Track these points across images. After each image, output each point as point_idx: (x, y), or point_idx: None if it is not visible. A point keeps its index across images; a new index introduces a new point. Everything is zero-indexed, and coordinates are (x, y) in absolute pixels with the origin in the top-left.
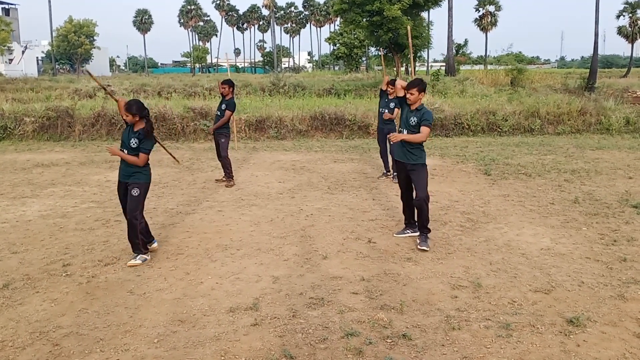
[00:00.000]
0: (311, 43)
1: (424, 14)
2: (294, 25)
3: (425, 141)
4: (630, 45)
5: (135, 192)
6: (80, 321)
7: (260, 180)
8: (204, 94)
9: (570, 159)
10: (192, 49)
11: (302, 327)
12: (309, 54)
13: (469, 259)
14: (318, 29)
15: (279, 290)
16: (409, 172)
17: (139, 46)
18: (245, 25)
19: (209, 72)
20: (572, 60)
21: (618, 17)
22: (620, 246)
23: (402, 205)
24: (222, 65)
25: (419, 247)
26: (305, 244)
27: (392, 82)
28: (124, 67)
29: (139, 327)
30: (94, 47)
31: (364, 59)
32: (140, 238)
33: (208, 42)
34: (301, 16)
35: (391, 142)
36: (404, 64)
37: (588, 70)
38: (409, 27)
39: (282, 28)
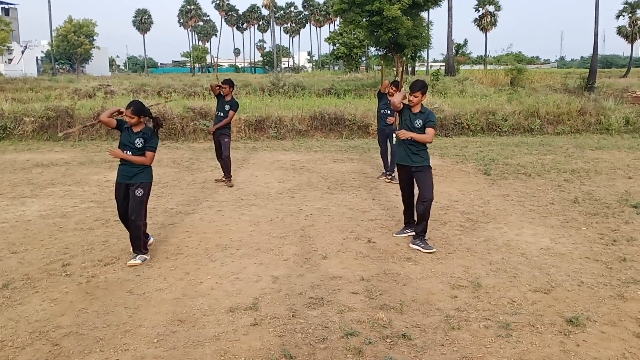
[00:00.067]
0: (311, 43)
1: (424, 14)
2: (293, 25)
3: (431, 142)
4: (629, 45)
5: (139, 192)
6: (80, 321)
7: (259, 180)
8: (203, 94)
9: (570, 159)
10: (191, 49)
11: (302, 326)
12: (309, 53)
13: (468, 258)
14: (318, 28)
15: (279, 290)
16: (413, 174)
17: (139, 46)
18: (244, 25)
19: (209, 72)
20: (572, 60)
21: (618, 17)
22: (619, 246)
23: (404, 208)
24: (222, 65)
25: (412, 244)
26: (304, 243)
27: (395, 84)
28: (123, 67)
29: (138, 327)
30: (94, 47)
31: (363, 59)
32: (143, 239)
33: (208, 42)
34: (301, 16)
35: (399, 139)
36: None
37: (588, 70)
38: (382, 67)
39: (282, 28)
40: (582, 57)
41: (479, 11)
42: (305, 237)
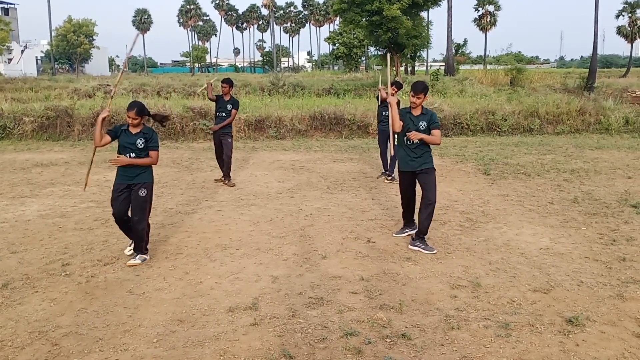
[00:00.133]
0: (310, 43)
1: (424, 14)
2: (293, 24)
3: (440, 144)
4: (629, 45)
5: (142, 192)
6: (80, 321)
7: (259, 180)
8: (203, 93)
9: (570, 159)
10: (191, 49)
11: (302, 326)
12: (309, 53)
13: (468, 258)
14: (317, 28)
15: (278, 290)
16: (417, 176)
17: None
18: (244, 25)
19: (209, 71)
20: (572, 60)
21: (617, 16)
22: (619, 246)
23: (403, 210)
24: (222, 65)
25: (412, 246)
26: (304, 243)
27: (398, 85)
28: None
29: (138, 327)
30: (93, 47)
31: (363, 58)
32: (145, 239)
33: (207, 41)
34: (300, 16)
35: (413, 141)
36: (404, 64)
37: (587, 70)
38: (388, 56)
39: (282, 28)
40: (581, 56)
41: (478, 11)
42: (305, 236)
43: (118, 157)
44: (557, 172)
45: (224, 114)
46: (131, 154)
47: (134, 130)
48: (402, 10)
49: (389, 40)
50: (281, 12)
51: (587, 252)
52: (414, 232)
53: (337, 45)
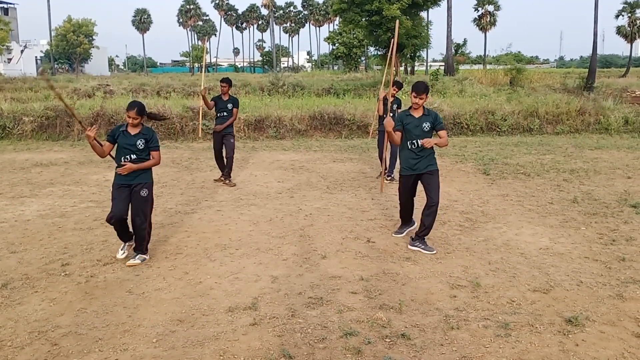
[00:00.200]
0: (310, 43)
1: (423, 14)
2: (293, 24)
3: (447, 145)
4: (629, 44)
5: (144, 192)
6: (79, 321)
7: (259, 179)
8: (208, 88)
9: (569, 159)
10: (191, 49)
11: (301, 326)
12: (308, 53)
13: (467, 258)
14: (317, 28)
15: (278, 290)
16: (422, 177)
17: (138, 46)
18: (244, 25)
19: (208, 71)
20: (571, 60)
21: (617, 16)
22: (619, 246)
23: (401, 211)
24: (221, 65)
25: (411, 246)
26: (304, 243)
27: (398, 85)
28: (122, 67)
29: (137, 327)
30: (93, 47)
31: (363, 58)
32: (147, 239)
33: (207, 41)
34: (300, 16)
35: (425, 148)
36: (403, 64)
37: (587, 70)
38: (397, 23)
39: (281, 28)
40: (581, 56)
41: (478, 11)
42: (305, 236)
43: (124, 163)
44: (556, 172)
45: (225, 114)
46: (132, 155)
47: (133, 131)
48: (402, 10)
49: (388, 40)
50: (281, 12)
51: (587, 252)
52: (412, 228)
53: (336, 45)
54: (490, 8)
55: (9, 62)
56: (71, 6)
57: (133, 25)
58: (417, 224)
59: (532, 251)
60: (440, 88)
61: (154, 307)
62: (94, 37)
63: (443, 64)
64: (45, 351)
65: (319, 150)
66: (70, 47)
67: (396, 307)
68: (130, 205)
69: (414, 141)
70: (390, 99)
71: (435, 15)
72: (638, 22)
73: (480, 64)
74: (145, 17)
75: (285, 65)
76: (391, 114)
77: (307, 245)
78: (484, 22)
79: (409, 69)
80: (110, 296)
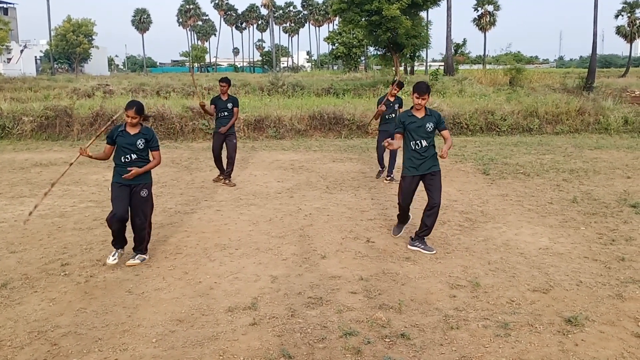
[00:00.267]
0: (310, 42)
1: (423, 14)
2: (292, 24)
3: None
4: (628, 44)
5: (144, 192)
6: (79, 321)
7: (258, 179)
8: (202, 93)
9: (569, 159)
10: (190, 49)
11: (301, 326)
12: (308, 53)
13: (467, 258)
14: (317, 28)
15: (278, 290)
16: (425, 178)
17: (138, 45)
18: (244, 25)
19: (208, 71)
20: (571, 59)
21: (617, 16)
22: (618, 246)
23: (401, 212)
24: (221, 65)
25: (411, 246)
26: (303, 243)
27: (399, 84)
28: (122, 67)
29: (137, 327)
30: (93, 47)
31: (362, 58)
32: (147, 239)
33: (207, 41)
34: (300, 16)
35: (420, 144)
36: (403, 64)
37: (587, 69)
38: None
39: (281, 27)
40: (581, 56)
41: (478, 11)
42: (304, 236)
43: (130, 169)
44: (556, 172)
45: (225, 114)
46: (132, 155)
47: (132, 131)
48: (402, 10)
49: (388, 40)
50: (280, 11)
51: (586, 252)
52: (409, 222)
53: (336, 45)
54: (490, 8)
55: (8, 62)
56: (71, 6)
57: (133, 25)
58: (412, 217)
59: (531, 251)
60: (439, 88)
61: (154, 307)
62: (93, 37)
63: (443, 63)
64: (45, 351)
65: (319, 150)
66: (70, 47)
67: (396, 307)
68: (130, 205)
69: (418, 142)
70: (392, 99)
71: (434, 15)
72: (637, 22)
73: (480, 63)
74: (145, 17)
75: (285, 65)
76: (393, 115)
77: (307, 245)
78: (484, 22)
79: (408, 69)
80: (109, 296)
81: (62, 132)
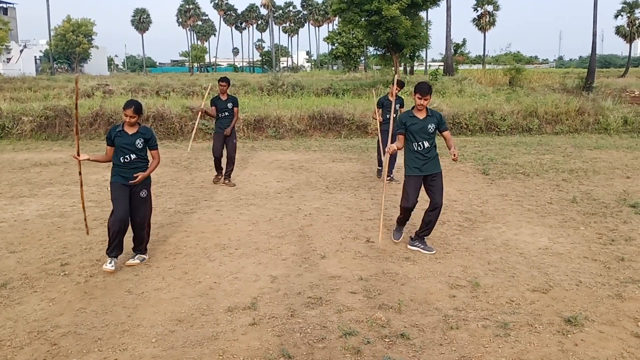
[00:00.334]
0: (309, 42)
1: (423, 14)
2: (292, 24)
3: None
4: (628, 45)
5: (144, 193)
6: (78, 321)
7: (258, 179)
8: (202, 93)
9: (568, 159)
10: (190, 48)
11: (300, 326)
12: (308, 53)
13: (467, 258)
14: (316, 28)
15: (277, 290)
16: (427, 179)
17: (137, 45)
18: (243, 25)
19: (207, 71)
20: (570, 59)
21: (616, 16)
22: (618, 245)
23: (404, 215)
24: (221, 65)
25: (411, 246)
26: (303, 243)
27: (400, 84)
28: (122, 67)
29: (137, 327)
30: (92, 47)
31: (362, 58)
32: (146, 239)
33: (206, 41)
34: (299, 16)
35: (423, 146)
36: (402, 64)
37: (586, 69)
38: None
39: (281, 27)
40: (580, 56)
41: (477, 11)
42: (304, 236)
43: (136, 175)
44: (555, 172)
45: (226, 114)
46: (131, 155)
47: (130, 131)
48: (401, 10)
49: (387, 40)
50: (280, 11)
51: (586, 252)
52: (409, 222)
53: (336, 45)
54: (490, 8)
55: (8, 62)
56: (70, 6)
57: (132, 25)
58: (411, 216)
59: (531, 251)
60: (439, 88)
61: (153, 307)
62: (93, 36)
63: (442, 63)
64: (45, 351)
65: (318, 150)
66: (70, 47)
67: (395, 307)
68: (129, 205)
69: (420, 143)
70: (392, 98)
71: (434, 15)
72: (637, 22)
73: (480, 63)
74: (145, 16)
75: (285, 65)
76: (394, 115)
77: (307, 245)
78: (483, 22)
79: (408, 69)
80: (109, 296)
81: (62, 132)
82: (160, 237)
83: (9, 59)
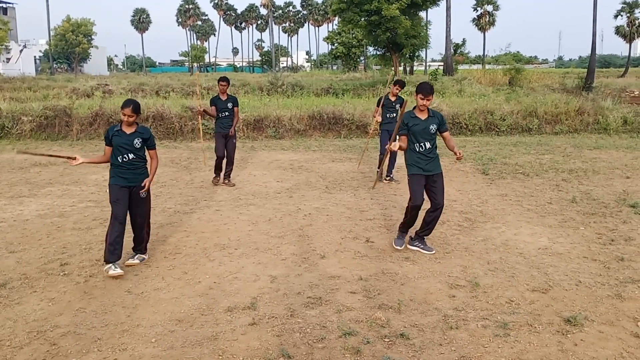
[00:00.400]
0: (309, 42)
1: (422, 14)
2: (292, 24)
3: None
4: (628, 45)
5: (143, 193)
6: (78, 320)
7: (258, 179)
8: (202, 93)
9: (568, 159)
10: (190, 48)
11: (300, 326)
12: (307, 53)
13: (466, 258)
14: (316, 28)
15: (277, 290)
16: (429, 179)
17: (137, 45)
18: (243, 25)
19: (207, 71)
20: (570, 59)
21: (616, 16)
22: (617, 245)
23: (411, 217)
24: (220, 65)
25: (411, 246)
26: (303, 243)
27: (401, 84)
28: (122, 67)
29: (136, 327)
30: (92, 47)
31: (362, 58)
32: (146, 239)
33: (206, 41)
34: (299, 15)
35: (425, 146)
36: (402, 64)
37: (586, 69)
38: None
39: (281, 27)
40: (580, 56)
41: (477, 11)
42: (304, 236)
43: (143, 184)
44: (555, 172)
45: (226, 114)
46: (129, 154)
47: (128, 130)
48: (401, 10)
49: (387, 40)
50: (280, 11)
51: (586, 252)
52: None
53: (335, 45)
54: (489, 8)
55: (7, 62)
56: (70, 6)
57: (132, 25)
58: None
59: (530, 251)
60: (439, 88)
61: (153, 307)
62: (92, 36)
63: (442, 63)
64: (44, 351)
65: (318, 150)
66: (69, 46)
67: (395, 307)
68: (129, 206)
69: (422, 144)
70: (393, 98)
71: (434, 15)
72: (637, 22)
73: (479, 63)
74: (144, 16)
75: (284, 65)
76: (394, 114)
77: (306, 245)
78: (483, 22)
79: (407, 69)
80: (109, 296)
81: (62, 132)
82: (159, 237)
83: (8, 59)
